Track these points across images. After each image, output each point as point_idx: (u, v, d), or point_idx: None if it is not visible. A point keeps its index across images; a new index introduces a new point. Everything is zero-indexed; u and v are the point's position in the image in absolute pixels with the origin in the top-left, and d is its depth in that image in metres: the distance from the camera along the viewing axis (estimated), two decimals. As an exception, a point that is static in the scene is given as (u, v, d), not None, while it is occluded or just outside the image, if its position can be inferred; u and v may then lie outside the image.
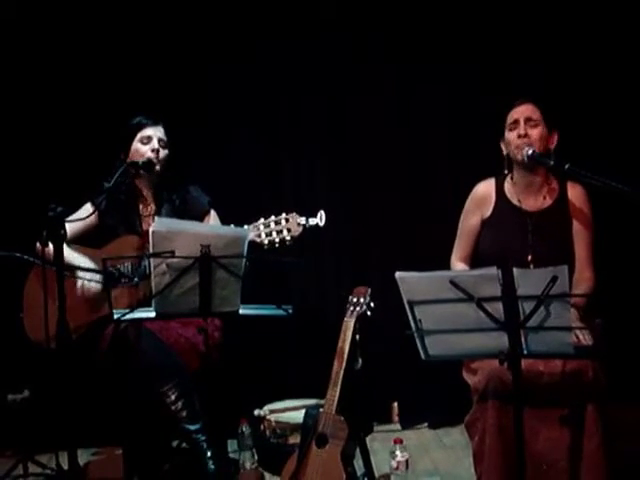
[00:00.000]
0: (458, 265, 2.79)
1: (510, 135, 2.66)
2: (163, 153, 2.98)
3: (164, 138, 2.99)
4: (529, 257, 2.58)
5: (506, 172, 2.73)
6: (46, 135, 3.50)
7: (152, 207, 3.04)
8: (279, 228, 2.65)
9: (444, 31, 3.51)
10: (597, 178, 2.40)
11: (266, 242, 2.65)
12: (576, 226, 2.64)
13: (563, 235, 2.64)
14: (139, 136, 2.96)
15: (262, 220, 2.67)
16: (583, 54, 3.40)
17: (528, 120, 2.63)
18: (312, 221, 2.64)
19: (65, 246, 2.50)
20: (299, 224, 2.64)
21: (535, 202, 2.68)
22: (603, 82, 3.38)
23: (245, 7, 3.56)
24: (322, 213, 2.63)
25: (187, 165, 3.35)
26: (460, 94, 3.51)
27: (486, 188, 2.76)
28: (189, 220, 2.94)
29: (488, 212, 2.73)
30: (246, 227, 2.66)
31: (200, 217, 3.00)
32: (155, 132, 2.98)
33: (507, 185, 2.73)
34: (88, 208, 2.96)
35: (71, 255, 2.87)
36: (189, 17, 3.55)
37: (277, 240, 2.64)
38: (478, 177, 2.81)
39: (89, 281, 2.83)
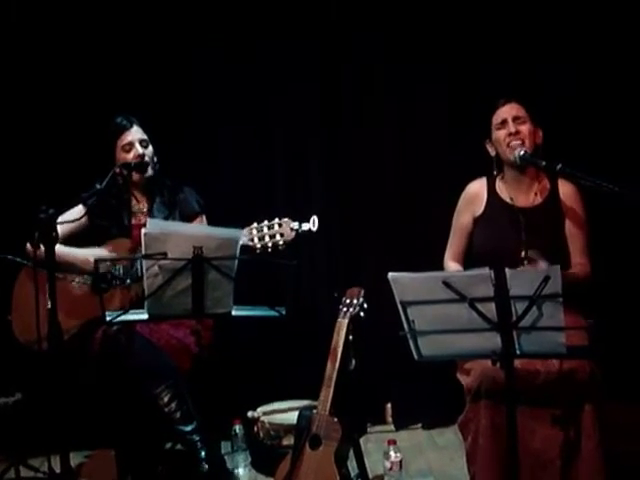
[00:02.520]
0: (451, 263, 2.82)
1: (499, 134, 2.69)
2: (148, 152, 2.98)
3: (144, 137, 2.99)
4: (522, 253, 2.59)
5: (495, 173, 2.76)
6: (36, 136, 3.49)
7: (145, 204, 3.05)
8: (272, 233, 2.67)
9: (442, 32, 3.50)
10: (587, 178, 2.43)
11: (259, 246, 2.67)
12: (569, 223, 2.67)
13: (556, 231, 2.67)
14: (120, 145, 2.95)
15: (255, 224, 2.68)
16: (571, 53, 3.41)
17: (516, 118, 2.67)
18: (305, 226, 2.66)
19: (59, 245, 2.50)
20: (292, 229, 2.66)
21: (527, 199, 2.71)
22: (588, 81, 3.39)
23: (241, 6, 3.55)
24: (315, 218, 2.65)
25: (180, 169, 3.35)
26: (456, 95, 3.50)
27: (477, 187, 2.79)
28: (178, 217, 2.98)
29: (480, 210, 2.76)
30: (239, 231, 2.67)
31: (189, 218, 3.01)
32: (134, 135, 2.97)
33: (498, 183, 2.77)
34: (80, 209, 2.94)
35: (65, 250, 2.85)
36: (181, 17, 3.54)
37: (270, 244, 2.66)
38: (471, 177, 2.83)
39: (82, 282, 2.84)
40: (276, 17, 3.56)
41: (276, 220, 2.69)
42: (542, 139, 2.70)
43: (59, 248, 2.51)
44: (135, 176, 2.97)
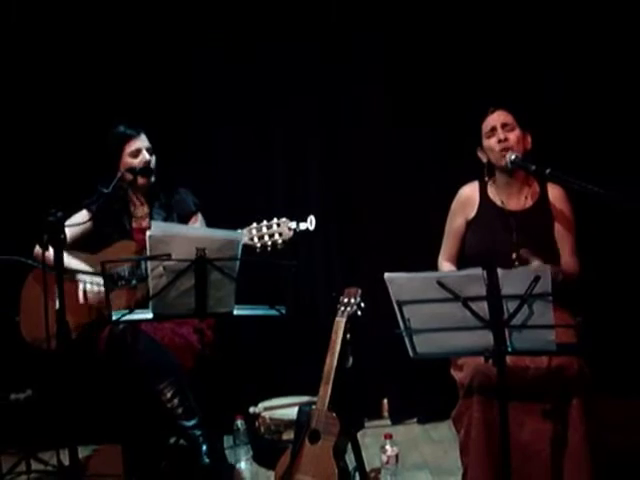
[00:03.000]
0: (445, 265, 2.87)
1: (490, 142, 2.74)
2: (153, 159, 3.05)
3: (149, 145, 3.05)
4: (514, 255, 2.65)
5: (486, 179, 2.82)
6: (40, 139, 3.51)
7: (145, 208, 3.10)
8: (271, 232, 2.74)
9: (441, 32, 3.52)
10: (575, 181, 2.48)
11: (258, 245, 2.74)
12: (558, 225, 2.73)
13: (546, 233, 2.72)
14: (127, 150, 3.01)
15: (255, 224, 2.76)
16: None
17: (504, 125, 2.73)
18: (302, 226, 2.74)
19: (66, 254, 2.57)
20: (290, 228, 2.74)
21: (517, 202, 2.77)
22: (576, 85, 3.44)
23: (241, 6, 3.56)
24: (312, 218, 2.73)
25: (179, 169, 3.38)
26: (452, 97, 3.50)
27: (470, 191, 2.84)
28: (176, 218, 3.03)
29: (472, 213, 2.81)
30: (239, 231, 2.74)
31: (186, 217, 3.07)
32: (142, 143, 3.02)
33: (490, 188, 2.82)
34: (84, 214, 3.01)
35: (69, 261, 2.92)
36: (181, 17, 3.55)
37: (269, 243, 2.74)
38: (464, 180, 2.88)
39: (90, 284, 2.90)
40: (276, 17, 3.56)
41: (274, 220, 2.76)
42: (531, 144, 2.76)
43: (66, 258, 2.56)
44: (140, 180, 3.02)
